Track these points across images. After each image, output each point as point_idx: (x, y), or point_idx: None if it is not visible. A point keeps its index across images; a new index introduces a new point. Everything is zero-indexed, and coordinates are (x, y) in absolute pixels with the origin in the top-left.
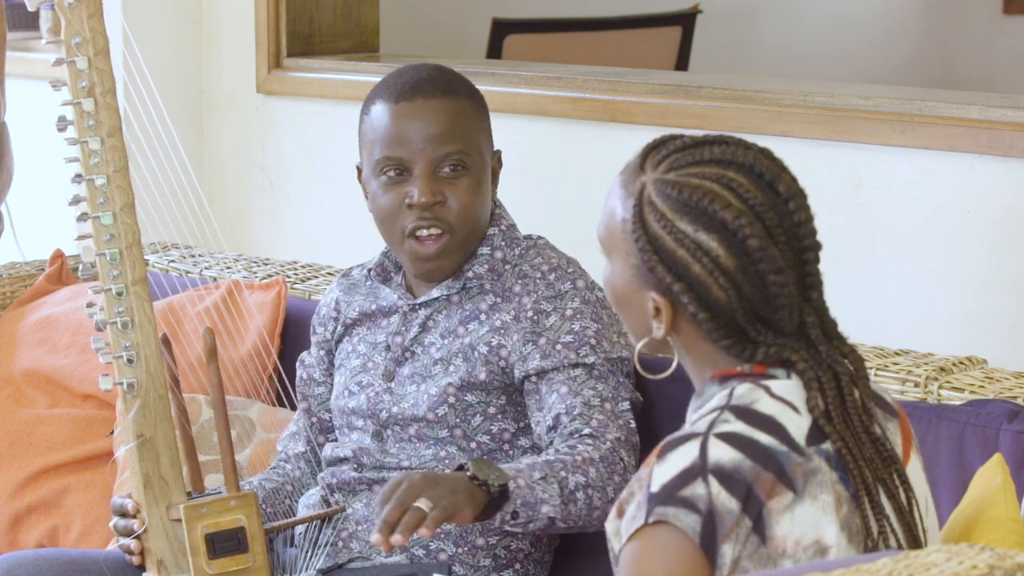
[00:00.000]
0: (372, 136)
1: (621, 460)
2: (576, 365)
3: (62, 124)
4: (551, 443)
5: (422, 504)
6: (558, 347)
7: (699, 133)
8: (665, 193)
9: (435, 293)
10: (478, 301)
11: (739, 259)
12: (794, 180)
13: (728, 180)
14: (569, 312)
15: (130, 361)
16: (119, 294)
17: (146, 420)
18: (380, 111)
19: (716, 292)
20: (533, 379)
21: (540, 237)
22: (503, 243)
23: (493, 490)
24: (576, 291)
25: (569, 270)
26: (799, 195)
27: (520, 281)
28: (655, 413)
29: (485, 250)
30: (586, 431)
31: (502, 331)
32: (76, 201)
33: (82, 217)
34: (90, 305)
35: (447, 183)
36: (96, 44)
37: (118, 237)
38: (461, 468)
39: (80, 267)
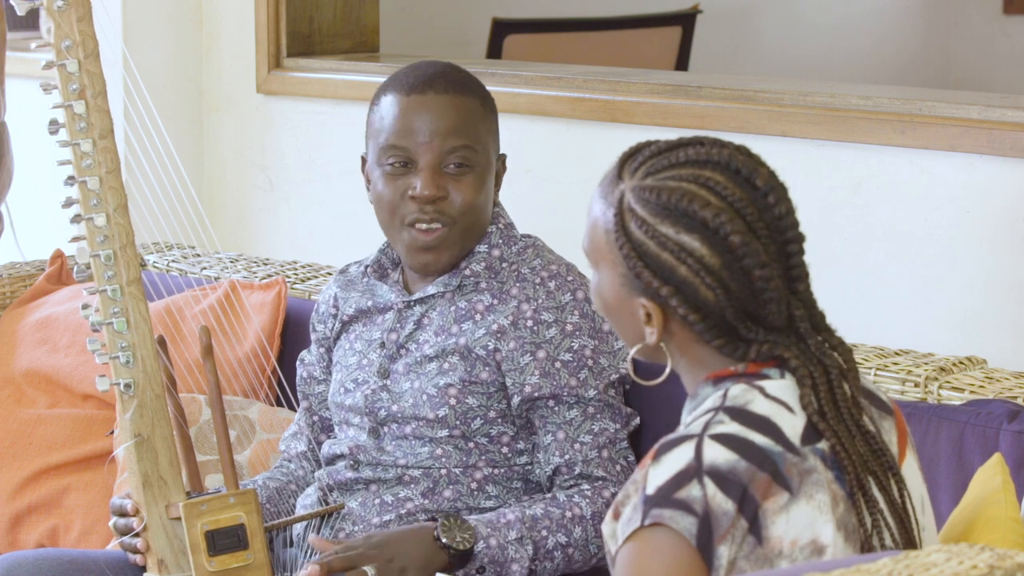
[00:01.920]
0: (380, 125)
1: None
2: (572, 405)
3: (54, 127)
4: (552, 487)
5: (368, 570)
6: (556, 365)
7: (674, 136)
8: (644, 198)
9: (431, 290)
10: (473, 299)
11: (723, 257)
12: (772, 174)
13: (705, 179)
14: (569, 327)
15: (127, 361)
16: (114, 295)
17: (144, 420)
18: (390, 102)
19: (704, 292)
20: (528, 403)
21: (537, 238)
22: (500, 241)
23: (453, 555)
24: (576, 303)
25: (569, 279)
26: (778, 188)
27: (518, 284)
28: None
29: (483, 248)
30: (585, 486)
31: (499, 335)
32: (69, 203)
33: (76, 219)
34: (85, 307)
35: (451, 179)
36: (86, 47)
37: (112, 238)
38: (435, 519)
39: (75, 268)
